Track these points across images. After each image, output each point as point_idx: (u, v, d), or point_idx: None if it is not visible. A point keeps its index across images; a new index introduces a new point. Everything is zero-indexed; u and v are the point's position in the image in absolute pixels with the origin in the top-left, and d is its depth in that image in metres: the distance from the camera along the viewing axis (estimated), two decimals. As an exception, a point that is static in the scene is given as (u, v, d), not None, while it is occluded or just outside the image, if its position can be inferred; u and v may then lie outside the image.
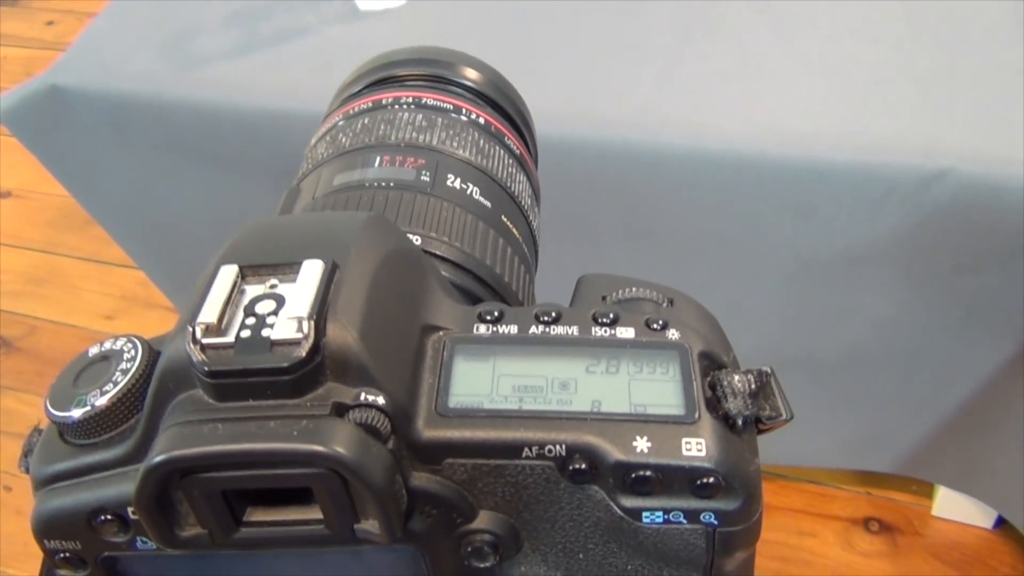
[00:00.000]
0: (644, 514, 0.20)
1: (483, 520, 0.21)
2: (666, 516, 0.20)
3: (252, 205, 0.86)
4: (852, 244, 0.68)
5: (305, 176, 0.33)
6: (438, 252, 0.28)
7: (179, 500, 0.19)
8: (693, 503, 0.20)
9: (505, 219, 0.31)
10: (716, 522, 0.20)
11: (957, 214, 0.62)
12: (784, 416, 0.22)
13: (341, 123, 0.34)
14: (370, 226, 0.22)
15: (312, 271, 0.20)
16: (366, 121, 0.33)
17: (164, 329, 0.22)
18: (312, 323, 0.19)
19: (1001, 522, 0.95)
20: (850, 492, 1.04)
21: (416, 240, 0.28)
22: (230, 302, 0.20)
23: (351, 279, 0.21)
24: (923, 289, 0.69)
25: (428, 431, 0.20)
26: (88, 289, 1.36)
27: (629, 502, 0.20)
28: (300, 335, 0.19)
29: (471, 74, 0.37)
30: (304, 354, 0.19)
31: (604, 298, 0.24)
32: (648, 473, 0.20)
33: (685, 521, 0.20)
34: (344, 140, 0.33)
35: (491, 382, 0.21)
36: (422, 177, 0.30)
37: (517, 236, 0.32)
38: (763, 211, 0.69)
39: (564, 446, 0.20)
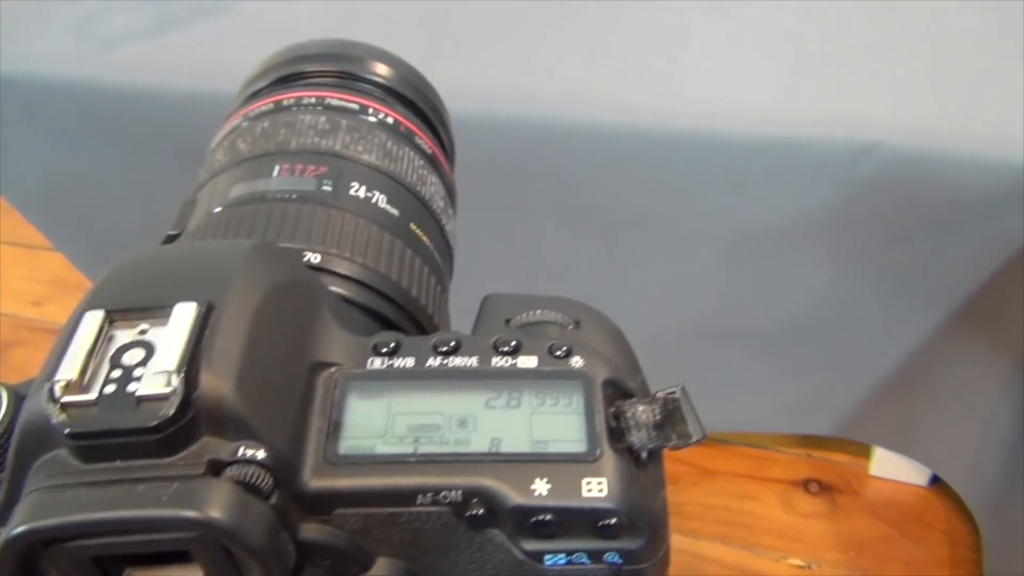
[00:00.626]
0: (546, 556, 0.20)
1: (381, 567, 0.20)
2: (569, 558, 0.20)
3: (170, 187, 0.82)
4: (785, 217, 0.68)
5: (202, 186, 0.31)
6: (339, 270, 0.26)
7: (47, 568, 0.18)
8: (596, 544, 0.19)
9: (414, 227, 0.30)
10: (621, 561, 0.20)
11: (886, 187, 0.62)
12: (695, 439, 0.21)
13: (241, 126, 0.33)
14: (252, 258, 0.21)
15: (184, 315, 0.19)
16: (266, 125, 0.31)
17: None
18: (181, 376, 0.18)
19: (935, 480, 0.98)
20: (790, 455, 1.05)
21: (316, 258, 0.26)
22: (95, 353, 0.19)
23: (228, 321, 0.19)
24: (856, 260, 0.70)
25: (316, 481, 0.19)
26: (15, 275, 1.32)
27: (530, 545, 0.20)
28: (168, 390, 0.18)
29: (381, 69, 0.35)
30: (172, 411, 0.18)
31: (508, 321, 0.23)
32: (548, 517, 0.19)
33: (588, 562, 0.20)
34: (243, 146, 0.31)
35: (386, 422, 0.20)
36: (323, 187, 0.29)
37: (428, 244, 0.30)
38: (696, 186, 0.68)
39: (460, 491, 0.19)
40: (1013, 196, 0.59)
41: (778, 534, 1.00)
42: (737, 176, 0.66)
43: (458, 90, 0.70)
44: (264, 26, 0.79)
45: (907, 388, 0.82)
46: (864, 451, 1.01)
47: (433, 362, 0.21)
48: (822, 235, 0.68)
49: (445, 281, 0.31)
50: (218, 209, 0.28)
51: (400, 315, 0.27)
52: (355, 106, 0.32)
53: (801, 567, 0.98)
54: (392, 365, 0.21)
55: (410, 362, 0.21)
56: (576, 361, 0.21)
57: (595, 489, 0.19)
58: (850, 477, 1.02)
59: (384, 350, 0.22)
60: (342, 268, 0.26)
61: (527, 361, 0.21)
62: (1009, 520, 0.81)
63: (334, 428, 0.20)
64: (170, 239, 0.29)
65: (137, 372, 0.18)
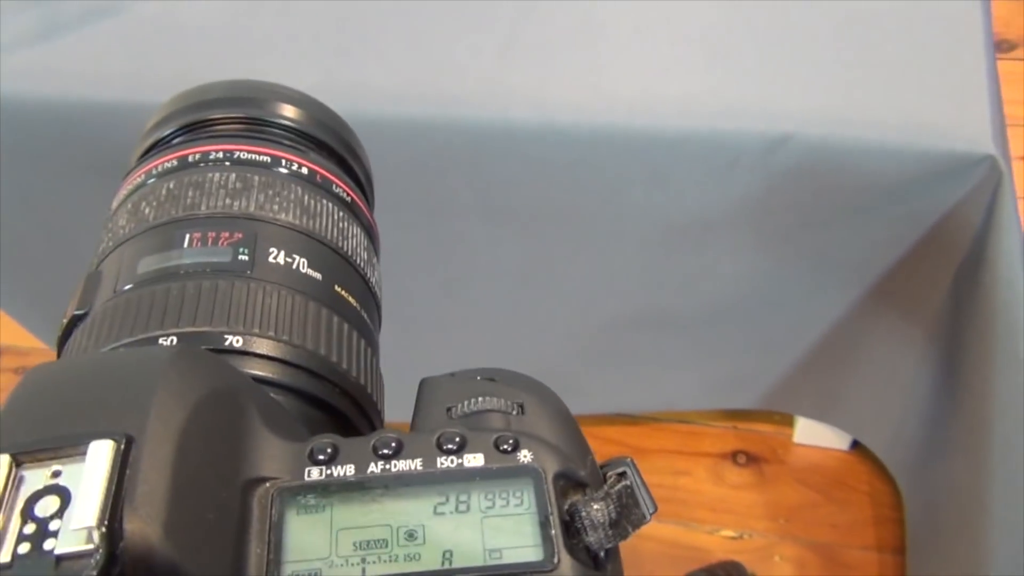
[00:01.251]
0: (509, 673, 0.19)
1: None
2: (531, 671, 0.19)
3: (76, 203, 0.79)
4: (705, 208, 0.68)
5: (107, 255, 0.29)
6: (263, 351, 0.25)
7: None
8: (558, 655, 0.19)
9: (339, 289, 0.29)
10: (585, 668, 0.19)
11: (801, 176, 0.63)
12: (647, 520, 0.21)
13: (145, 183, 0.31)
14: (171, 374, 0.19)
15: (100, 455, 0.17)
16: (171, 185, 0.29)
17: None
18: (103, 531, 0.16)
19: (855, 444, 1.01)
20: (718, 428, 1.07)
21: (237, 341, 0.25)
22: (3, 503, 0.17)
23: (150, 455, 0.18)
24: (774, 246, 0.70)
25: (260, 618, 0.18)
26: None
27: (491, 663, 0.19)
28: (91, 547, 0.16)
29: (290, 112, 0.33)
30: (96, 573, 0.16)
31: (449, 411, 0.22)
32: (509, 637, 0.18)
33: (551, 672, 0.19)
34: (147, 211, 0.29)
35: (329, 541, 0.19)
36: (240, 256, 0.27)
37: (354, 304, 0.29)
38: (616, 181, 0.68)
39: (414, 616, 0.18)
40: (919, 180, 0.60)
41: (710, 507, 1.02)
42: (657, 170, 0.66)
43: (372, 93, 0.69)
44: (162, 27, 0.75)
45: (827, 361, 0.84)
46: (787, 421, 1.04)
47: (375, 468, 0.20)
48: (742, 223, 0.69)
49: (374, 341, 0.30)
50: (127, 287, 0.26)
51: (332, 391, 0.26)
52: (266, 159, 0.31)
53: (734, 537, 1.00)
54: (331, 474, 0.20)
55: (350, 470, 0.20)
56: (524, 455, 0.21)
57: (555, 602, 0.18)
58: (775, 446, 1.05)
59: (321, 457, 0.20)
60: (266, 349, 0.25)
61: (474, 459, 0.20)
62: (927, 479, 0.84)
63: (275, 554, 0.19)
64: (76, 319, 0.27)
65: (53, 525, 0.17)
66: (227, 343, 0.25)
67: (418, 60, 0.69)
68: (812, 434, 1.03)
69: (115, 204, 0.31)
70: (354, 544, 0.19)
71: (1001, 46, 1.39)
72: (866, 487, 1.00)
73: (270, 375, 0.25)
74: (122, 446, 0.18)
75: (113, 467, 0.17)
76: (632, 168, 0.66)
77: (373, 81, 0.68)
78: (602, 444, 1.07)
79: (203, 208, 0.28)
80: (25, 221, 0.83)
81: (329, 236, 0.30)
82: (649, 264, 0.74)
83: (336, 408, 0.26)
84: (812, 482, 1.02)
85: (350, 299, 0.29)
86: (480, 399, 0.22)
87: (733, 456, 1.05)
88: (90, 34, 0.75)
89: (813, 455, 1.04)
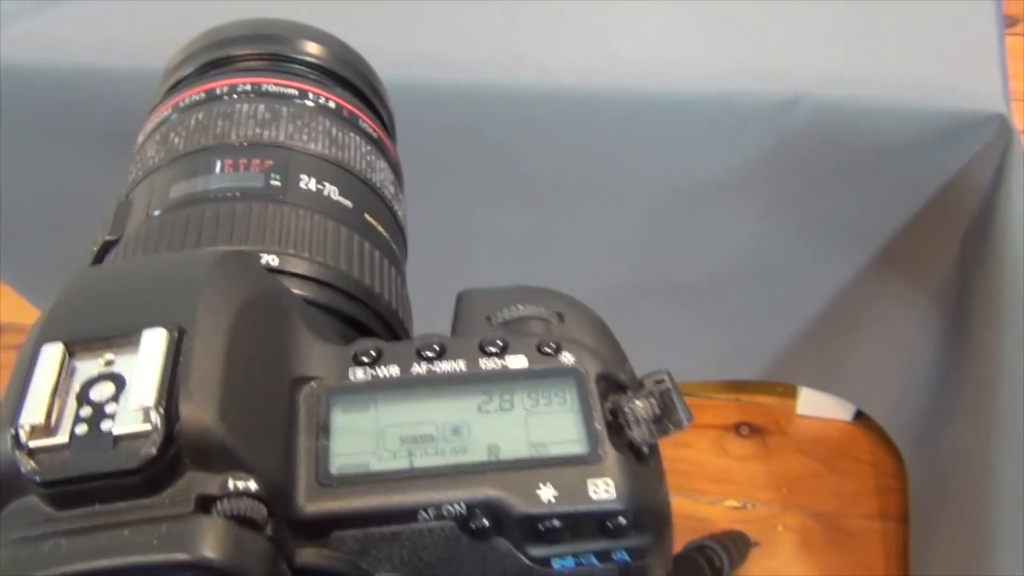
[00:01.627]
0: (554, 560, 0.19)
1: None
2: (577, 560, 0.19)
3: (79, 172, 0.79)
4: (712, 172, 0.68)
5: (136, 185, 0.29)
6: (299, 271, 0.25)
7: None
8: (604, 544, 0.19)
9: (369, 217, 0.29)
10: (628, 559, 0.19)
11: (810, 137, 0.63)
12: (686, 425, 0.21)
13: (171, 118, 0.31)
14: (217, 273, 0.20)
15: (154, 343, 0.18)
16: (200, 116, 0.29)
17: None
18: (161, 412, 0.17)
19: (859, 415, 1.01)
20: (720, 400, 1.08)
21: (274, 261, 0.25)
22: (57, 391, 0.17)
23: (202, 346, 0.18)
24: (781, 210, 0.71)
25: (310, 505, 0.18)
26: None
27: (538, 551, 0.19)
28: (148, 427, 0.17)
29: (313, 49, 0.33)
30: (155, 451, 0.16)
31: (489, 319, 0.22)
32: (556, 523, 0.19)
33: (597, 562, 0.19)
34: (177, 141, 0.29)
35: (376, 436, 0.19)
36: (272, 182, 0.27)
37: (383, 233, 0.29)
38: (623, 145, 0.68)
39: (464, 504, 0.19)
40: (929, 140, 0.61)
41: (713, 478, 1.03)
42: (664, 133, 0.66)
43: (377, 57, 0.68)
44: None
45: (831, 329, 0.85)
46: (790, 392, 1.04)
47: (419, 368, 0.20)
48: (748, 188, 0.69)
49: (403, 269, 0.30)
50: (158, 212, 0.27)
51: (364, 313, 0.26)
52: (294, 91, 0.31)
53: (737, 508, 1.01)
54: (376, 375, 0.20)
55: (395, 370, 0.20)
56: (566, 357, 0.21)
57: (602, 491, 0.19)
58: (778, 418, 1.06)
59: (365, 359, 0.21)
60: (302, 269, 0.25)
61: (516, 361, 0.21)
62: (930, 446, 0.85)
63: (323, 447, 0.19)
64: (108, 245, 0.27)
65: (109, 408, 0.17)
66: (263, 262, 0.25)
67: (424, 24, 0.69)
68: (815, 405, 1.03)
69: (141, 138, 0.31)
70: (401, 439, 0.19)
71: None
72: (869, 457, 1.01)
73: (306, 294, 0.25)
74: (175, 335, 0.18)
75: (168, 353, 0.17)
76: (639, 132, 0.66)
77: (378, 46, 0.67)
78: (606, 416, 1.07)
79: (233, 137, 0.28)
80: (27, 190, 0.83)
81: (358, 168, 0.30)
82: (655, 230, 0.75)
83: (369, 329, 0.26)
84: (815, 453, 1.03)
85: (380, 228, 0.29)
86: (520, 306, 0.22)
87: (736, 428, 1.06)
88: (91, 1, 0.75)
89: (816, 426, 1.04)
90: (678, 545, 0.76)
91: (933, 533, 0.83)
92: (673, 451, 1.06)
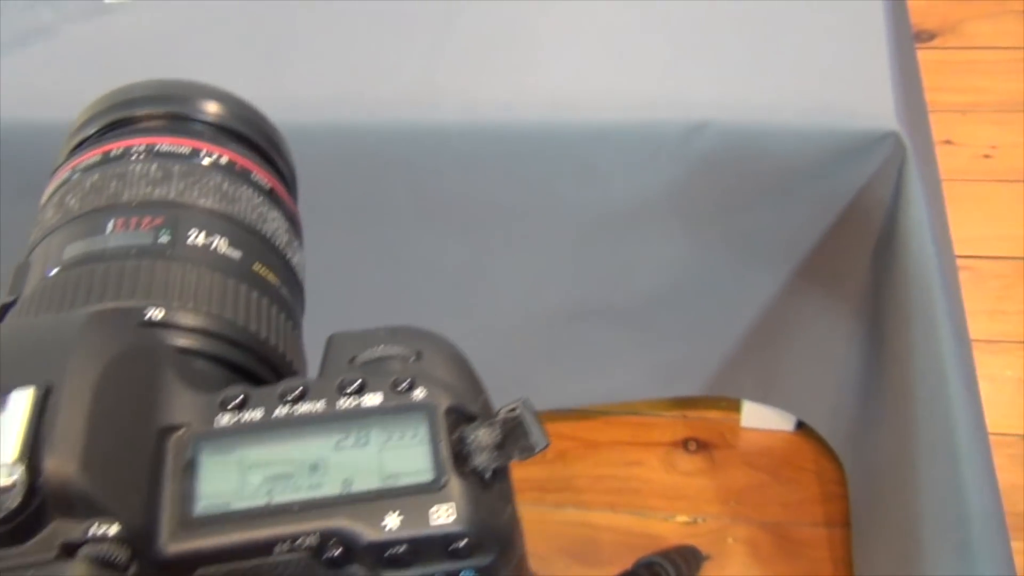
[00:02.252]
0: (407, 583, 0.21)
1: None
2: (428, 581, 0.21)
3: (5, 227, 0.80)
4: (634, 198, 0.71)
5: (35, 246, 0.30)
6: (184, 323, 0.27)
7: None
8: (450, 565, 0.21)
9: (258, 267, 0.30)
10: (476, 576, 0.21)
11: (720, 161, 0.66)
12: (538, 450, 0.23)
13: (71, 179, 0.32)
14: (88, 331, 0.21)
15: (20, 402, 0.19)
16: (95, 178, 0.31)
17: None
18: (23, 467, 0.18)
19: (801, 424, 1.04)
20: (667, 418, 1.10)
21: (158, 314, 0.26)
22: None
23: (68, 400, 0.20)
24: (701, 231, 0.73)
25: (173, 546, 0.20)
26: None
27: (390, 575, 0.21)
28: (10, 481, 0.18)
29: (211, 108, 0.35)
30: (17, 504, 0.18)
31: (352, 360, 0.24)
32: (401, 548, 0.20)
33: (446, 582, 0.21)
34: (73, 202, 0.31)
35: (239, 477, 0.21)
36: (160, 239, 0.29)
37: (273, 282, 0.31)
38: (546, 176, 0.70)
39: (317, 535, 0.20)
40: (829, 160, 0.64)
41: (664, 495, 1.05)
42: (585, 163, 0.69)
43: (305, 101, 0.71)
44: (94, 46, 0.76)
45: (763, 342, 0.87)
46: (735, 406, 1.07)
47: (281, 411, 0.22)
48: (670, 211, 0.72)
49: (296, 316, 0.32)
50: (54, 271, 0.28)
51: (252, 360, 0.28)
52: (187, 150, 0.32)
53: (688, 523, 1.03)
54: (240, 419, 0.22)
55: (258, 414, 0.22)
56: (419, 393, 0.23)
57: (443, 515, 0.20)
58: (724, 431, 1.08)
59: (231, 405, 0.22)
60: (187, 320, 0.27)
61: (372, 399, 0.22)
62: (864, 452, 0.87)
63: (188, 490, 0.21)
64: (5, 308, 0.29)
65: (-24, 466, 0.19)
66: (147, 316, 0.26)
67: (348, 66, 0.71)
68: (758, 417, 1.06)
69: (43, 200, 0.33)
70: (262, 479, 0.21)
71: (921, 36, 1.44)
72: (812, 465, 1.04)
73: (190, 344, 0.27)
74: (41, 393, 0.19)
75: (33, 411, 0.19)
76: (561, 162, 0.69)
77: (305, 90, 0.70)
78: (554, 439, 1.08)
79: (125, 196, 0.30)
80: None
81: (248, 219, 0.31)
82: (585, 256, 0.77)
83: (257, 375, 0.28)
84: (761, 464, 1.05)
85: (270, 277, 0.31)
86: (380, 347, 0.24)
87: (684, 444, 1.08)
88: (26, 56, 0.76)
89: (760, 438, 1.07)
90: (630, 562, 0.78)
91: (871, 537, 0.86)
92: (624, 470, 1.09)
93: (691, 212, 0.72)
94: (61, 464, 0.19)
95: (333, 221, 0.75)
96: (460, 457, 0.22)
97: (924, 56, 1.30)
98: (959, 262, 1.13)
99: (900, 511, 0.74)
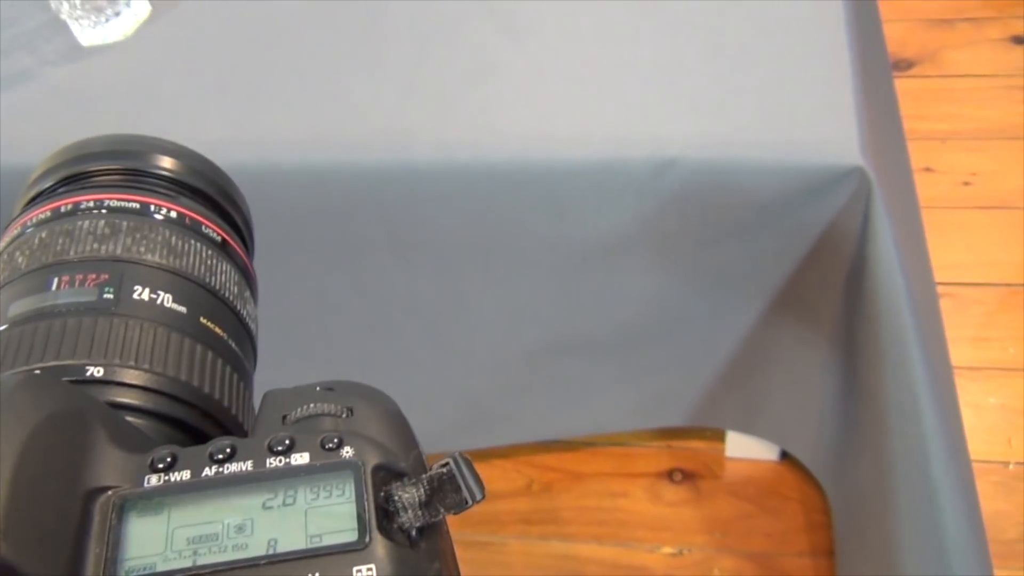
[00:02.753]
0: (330, 645, 0.21)
1: None
2: (350, 644, 0.21)
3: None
4: (603, 235, 0.71)
5: (-17, 303, 0.31)
6: (125, 380, 0.27)
7: None
8: (375, 627, 0.21)
9: (205, 321, 0.31)
10: (402, 637, 0.21)
11: (689, 197, 0.66)
12: (470, 504, 0.23)
13: (23, 234, 0.33)
14: (14, 397, 0.22)
15: None
16: (43, 235, 0.31)
17: None
18: None
19: (785, 454, 1.04)
20: (652, 448, 1.10)
21: (99, 372, 0.27)
22: None
23: None
24: (675, 266, 0.74)
25: (96, 610, 0.20)
26: None
27: (314, 637, 0.21)
28: None
29: (165, 163, 0.35)
30: None
31: (284, 418, 0.24)
32: (323, 611, 0.20)
33: (370, 643, 0.21)
34: (20, 259, 0.31)
35: (165, 538, 0.21)
36: (105, 295, 0.29)
37: (221, 334, 0.31)
38: (517, 214, 0.71)
39: (239, 598, 0.20)
40: (797, 194, 0.64)
41: (649, 526, 1.04)
42: (555, 201, 0.69)
43: (278, 143, 0.71)
44: (73, 89, 0.77)
45: (744, 373, 0.88)
46: (719, 436, 1.07)
47: (209, 471, 0.22)
48: (642, 246, 0.72)
49: (246, 368, 0.32)
50: (1, 328, 0.28)
51: (195, 415, 0.28)
52: (136, 205, 0.33)
53: (673, 554, 1.02)
54: (169, 480, 0.22)
55: (187, 474, 0.22)
56: (347, 451, 0.23)
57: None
58: (709, 462, 1.08)
59: (160, 465, 0.22)
60: (128, 378, 0.27)
61: (300, 458, 0.23)
62: (845, 481, 0.87)
63: (112, 553, 0.21)
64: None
65: (-102, 536, 0.19)
66: (88, 373, 0.27)
67: (320, 108, 0.71)
68: (743, 447, 1.06)
69: (-6, 256, 0.33)
70: (188, 539, 0.21)
71: (899, 65, 1.46)
72: (797, 495, 1.03)
73: (131, 401, 0.27)
74: None
75: None
76: (531, 200, 0.69)
77: (278, 132, 0.70)
78: (539, 471, 1.09)
79: (72, 253, 0.30)
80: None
81: (196, 273, 0.32)
82: (560, 292, 0.77)
83: (201, 431, 0.28)
84: (745, 494, 1.05)
85: (217, 330, 0.31)
86: (312, 405, 0.24)
87: (669, 474, 1.08)
88: (6, 100, 0.77)
89: (745, 468, 1.07)
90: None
91: (852, 564, 0.85)
92: (609, 501, 1.09)
93: (663, 247, 0.72)
94: None
95: (309, 260, 0.76)
96: (387, 515, 0.22)
97: (902, 85, 1.32)
98: (940, 289, 1.14)
99: (880, 542, 0.74)
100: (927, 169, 1.32)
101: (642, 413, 0.98)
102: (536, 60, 0.72)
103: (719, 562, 1.01)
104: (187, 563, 0.21)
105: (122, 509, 0.22)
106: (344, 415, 0.24)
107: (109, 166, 0.35)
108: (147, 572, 0.21)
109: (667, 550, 1.02)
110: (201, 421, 0.28)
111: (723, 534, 1.03)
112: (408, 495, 0.22)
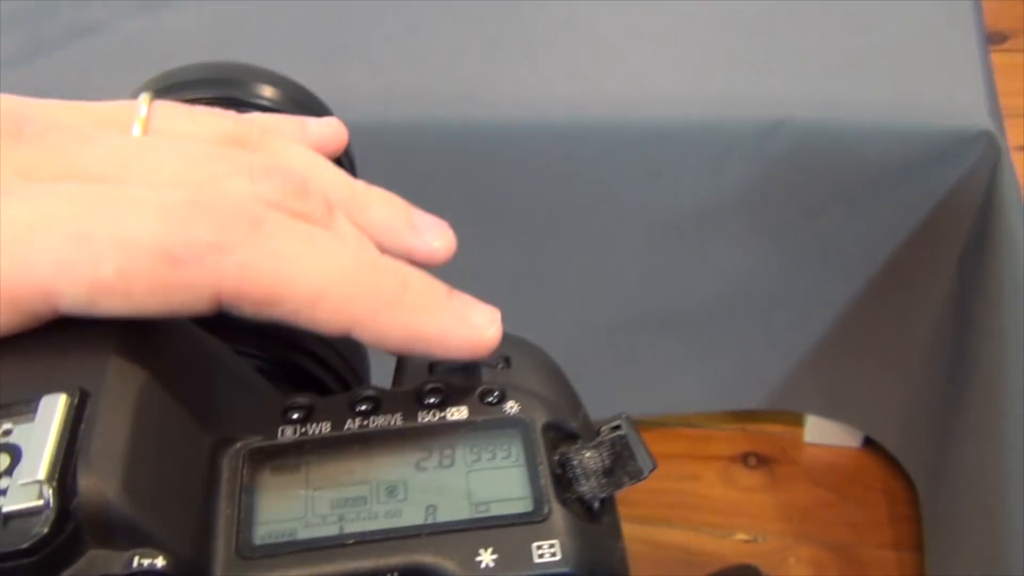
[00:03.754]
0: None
1: None
2: (524, 629, 0.18)
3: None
4: (700, 200, 0.67)
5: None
6: (242, 323, 0.24)
7: None
8: (552, 613, 0.17)
9: None
10: (583, 625, 0.18)
11: (798, 161, 0.62)
12: (646, 474, 0.20)
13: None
14: (131, 332, 0.18)
15: (52, 410, 0.16)
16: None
17: None
18: (53, 487, 0.15)
19: (868, 441, 0.99)
20: (726, 431, 1.06)
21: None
22: None
23: (107, 411, 0.17)
24: (774, 236, 0.70)
25: (229, 581, 0.17)
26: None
27: (480, 621, 0.18)
28: (40, 502, 0.15)
29: (268, 92, 0.32)
30: (47, 529, 0.15)
31: (432, 367, 0.21)
32: (498, 591, 0.17)
33: (545, 630, 0.18)
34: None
35: (304, 501, 0.18)
36: None
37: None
38: (609, 176, 0.67)
39: (397, 572, 0.17)
40: (916, 160, 0.60)
41: (722, 511, 1.00)
42: (650, 164, 0.65)
43: (359, 97, 0.68)
44: (145, 43, 0.75)
45: (835, 355, 0.83)
46: (797, 420, 1.02)
47: (352, 424, 0.19)
48: (740, 215, 0.68)
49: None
50: None
51: (314, 364, 0.25)
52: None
53: (747, 541, 0.98)
54: (306, 432, 0.19)
55: (326, 427, 0.19)
56: (511, 406, 0.19)
57: (547, 553, 0.17)
58: (786, 447, 1.03)
59: (295, 416, 0.19)
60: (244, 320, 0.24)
61: (457, 412, 0.19)
62: (942, 474, 0.83)
63: (246, 515, 0.18)
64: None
65: (2, 483, 0.16)
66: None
67: (403, 63, 0.68)
68: (823, 433, 1.01)
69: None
70: (331, 502, 0.18)
71: (993, 38, 1.38)
72: (880, 484, 0.99)
73: (248, 348, 0.24)
74: (75, 400, 0.16)
75: (65, 420, 0.16)
76: (624, 163, 0.66)
77: (359, 86, 0.67)
78: (609, 452, 1.05)
79: None
80: None
81: None
82: (648, 262, 0.73)
83: (321, 381, 0.25)
84: (825, 481, 1.00)
85: None
86: (463, 353, 0.21)
87: (744, 458, 1.04)
88: (74, 53, 0.75)
89: (825, 454, 1.02)
90: (689, 582, 0.73)
91: (948, 563, 0.81)
92: (681, 484, 1.05)
93: (763, 216, 0.68)
94: (100, 485, 0.16)
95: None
96: (563, 483, 0.18)
97: (996, 59, 1.25)
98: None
99: (984, 538, 0.69)
100: (1022, 148, 1.25)
101: (720, 394, 0.94)
102: (632, 12, 0.68)
103: (796, 551, 0.97)
104: (332, 530, 0.17)
105: (254, 465, 0.18)
106: (500, 366, 0.21)
107: (206, 95, 0.32)
108: (286, 540, 0.17)
109: (741, 536, 0.98)
110: (319, 371, 0.25)
111: (801, 522, 0.98)
112: (589, 460, 0.18)
